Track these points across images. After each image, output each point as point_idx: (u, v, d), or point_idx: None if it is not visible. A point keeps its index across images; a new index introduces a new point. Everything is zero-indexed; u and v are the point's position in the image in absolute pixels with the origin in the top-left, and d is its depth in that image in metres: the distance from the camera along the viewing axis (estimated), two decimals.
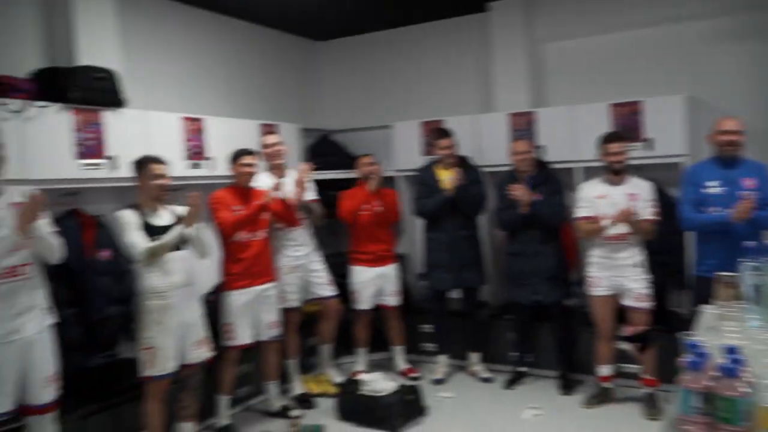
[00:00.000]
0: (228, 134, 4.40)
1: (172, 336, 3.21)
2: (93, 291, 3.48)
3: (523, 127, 4.72)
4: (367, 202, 4.56)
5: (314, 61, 6.17)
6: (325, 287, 4.40)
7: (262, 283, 3.88)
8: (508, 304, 4.69)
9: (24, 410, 2.70)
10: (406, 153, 5.21)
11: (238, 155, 3.86)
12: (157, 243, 3.13)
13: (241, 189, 3.87)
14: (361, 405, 3.85)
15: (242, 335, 3.79)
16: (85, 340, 3.46)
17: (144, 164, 3.26)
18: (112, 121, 3.57)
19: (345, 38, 6.07)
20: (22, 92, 3.13)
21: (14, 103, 3.09)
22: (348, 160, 5.42)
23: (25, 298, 2.65)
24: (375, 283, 4.61)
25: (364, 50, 6.01)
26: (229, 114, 4.75)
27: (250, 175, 3.87)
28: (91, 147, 3.43)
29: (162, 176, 3.24)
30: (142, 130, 3.76)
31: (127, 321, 3.54)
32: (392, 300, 4.69)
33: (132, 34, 4.21)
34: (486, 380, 4.58)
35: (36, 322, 2.68)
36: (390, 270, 4.67)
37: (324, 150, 5.55)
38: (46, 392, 2.71)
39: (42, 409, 2.71)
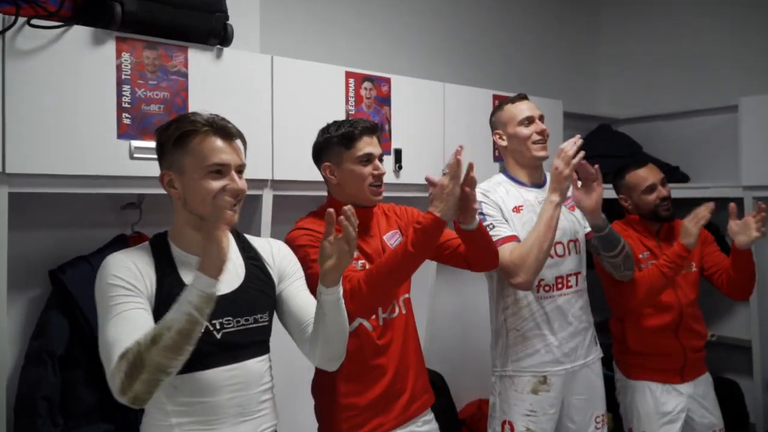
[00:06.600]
0: (429, 107, 2.50)
1: None
2: None
3: None
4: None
5: (588, 13, 4.08)
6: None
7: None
8: None
9: None
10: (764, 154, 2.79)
11: (348, 137, 1.71)
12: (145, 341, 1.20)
13: (358, 210, 1.53)
14: None
15: None
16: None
17: (183, 138, 1.35)
18: (200, 67, 1.88)
19: None
20: (13, 3, 1.56)
21: None
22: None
23: None
24: (679, 415, 2.29)
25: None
26: (441, 78, 2.78)
27: (375, 180, 1.73)
28: (152, 116, 1.78)
29: (223, 167, 1.35)
30: (263, 88, 2.03)
31: None
32: None
33: None
34: None
35: None
36: (704, 385, 2.38)
37: (602, 149, 3.40)
38: None
39: None
